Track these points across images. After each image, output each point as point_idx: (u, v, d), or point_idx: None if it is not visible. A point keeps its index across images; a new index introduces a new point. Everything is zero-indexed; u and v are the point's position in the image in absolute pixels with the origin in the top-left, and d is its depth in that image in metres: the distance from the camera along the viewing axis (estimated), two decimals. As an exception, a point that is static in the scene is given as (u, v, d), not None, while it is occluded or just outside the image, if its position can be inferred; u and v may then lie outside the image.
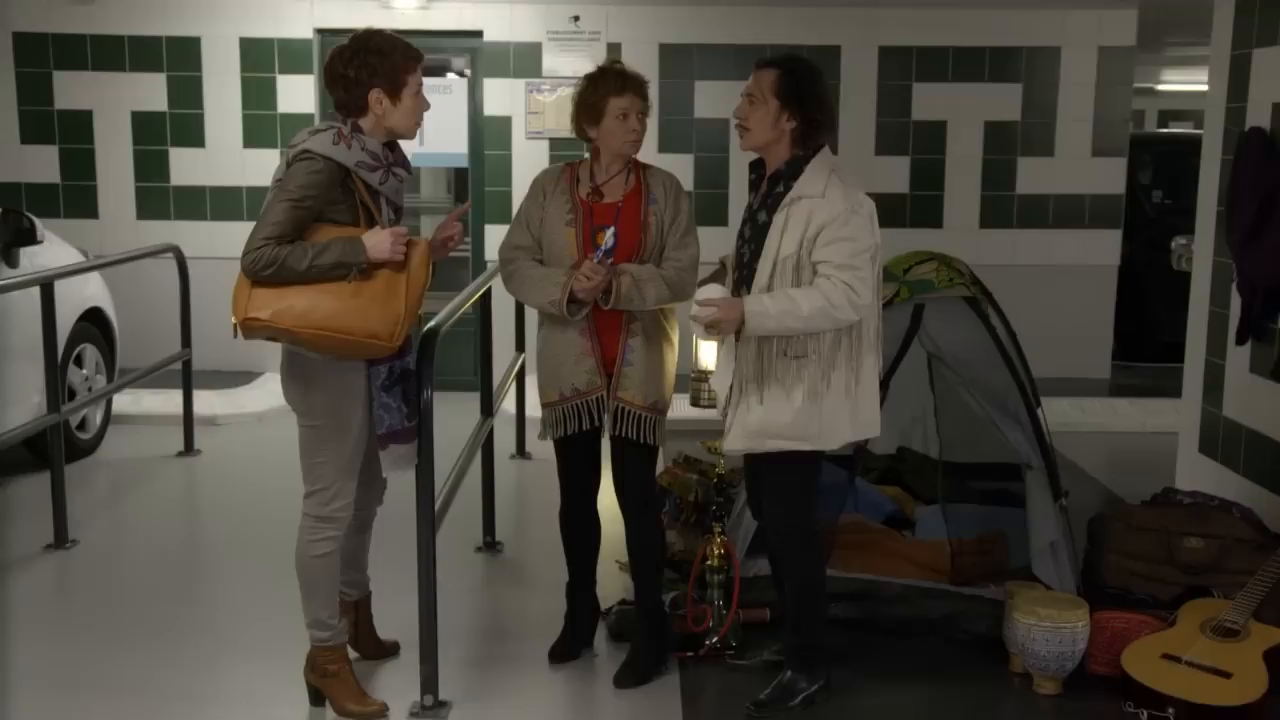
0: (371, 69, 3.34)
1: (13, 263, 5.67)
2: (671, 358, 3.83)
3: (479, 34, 8.09)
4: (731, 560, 4.11)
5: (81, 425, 6.34)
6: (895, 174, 8.39)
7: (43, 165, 8.22)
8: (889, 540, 4.61)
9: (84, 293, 6.24)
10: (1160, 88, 15.11)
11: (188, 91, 8.14)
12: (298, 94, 8.03)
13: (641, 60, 7.81)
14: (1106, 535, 4.36)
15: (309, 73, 7.97)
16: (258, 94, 8.11)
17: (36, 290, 5.13)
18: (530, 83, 8.10)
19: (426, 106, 3.51)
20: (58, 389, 5.19)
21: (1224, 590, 4.00)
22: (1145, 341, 9.10)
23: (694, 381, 4.03)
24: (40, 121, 8.18)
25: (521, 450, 6.52)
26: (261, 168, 7.44)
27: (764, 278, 3.44)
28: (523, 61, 8.10)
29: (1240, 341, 4.93)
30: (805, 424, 3.45)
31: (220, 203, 8.15)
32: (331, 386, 3.42)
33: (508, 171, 8.09)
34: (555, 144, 8.00)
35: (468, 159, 8.23)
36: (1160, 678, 3.59)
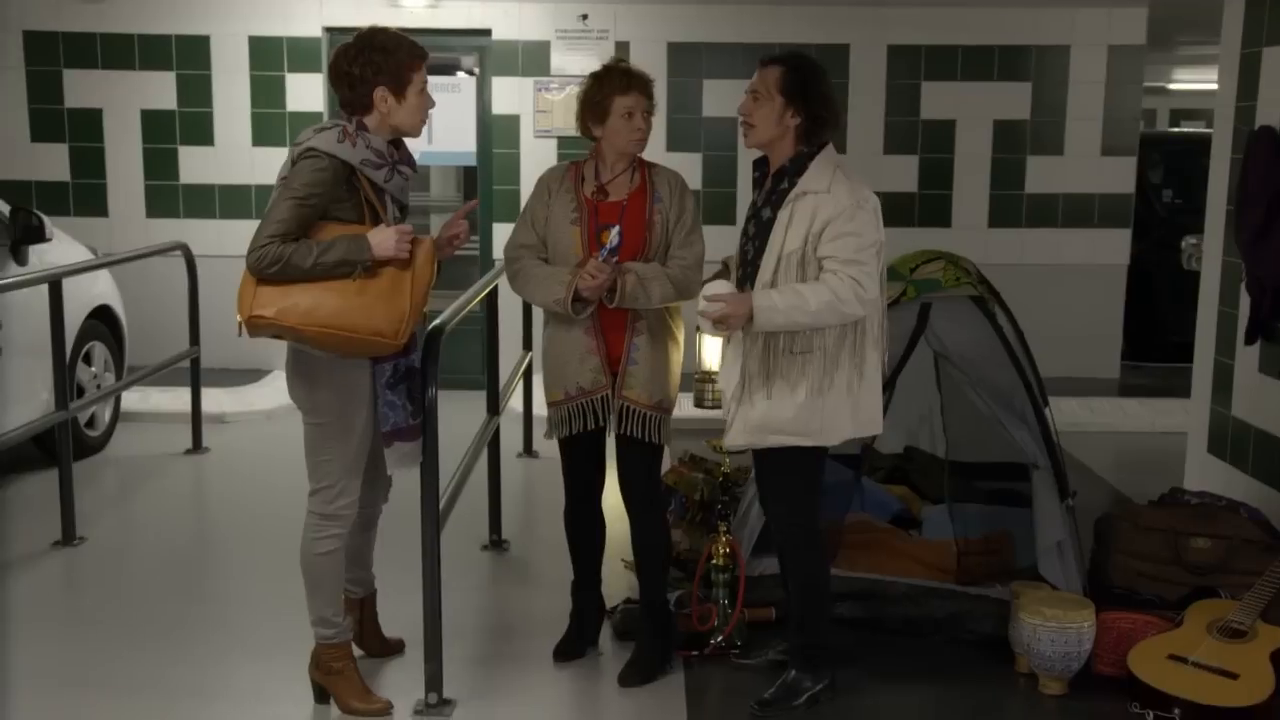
0: (376, 67, 3.34)
1: (22, 260, 5.69)
2: (677, 357, 3.83)
3: (487, 32, 8.10)
4: (737, 559, 4.10)
5: (90, 423, 6.36)
6: (903, 173, 8.38)
7: (53, 163, 8.25)
8: (895, 540, 4.60)
9: (93, 290, 6.27)
10: (1172, 86, 15.05)
11: (197, 90, 8.17)
12: (307, 92, 8.04)
13: (649, 59, 7.84)
14: (1113, 535, 4.34)
15: (318, 71, 7.99)
16: (267, 92, 8.14)
17: (45, 288, 5.15)
18: (538, 81, 8.11)
19: (431, 104, 3.51)
20: (65, 386, 5.21)
21: (1231, 591, 3.99)
22: (1154, 341, 9.07)
23: (698, 382, 4.02)
24: (50, 120, 8.22)
25: (528, 449, 6.53)
26: (270, 166, 7.44)
27: (768, 273, 3.44)
28: (531, 60, 8.11)
29: (1249, 341, 4.90)
30: (807, 420, 3.45)
31: (229, 201, 8.17)
32: (336, 384, 3.42)
33: (516, 170, 8.10)
34: (563, 142, 8.00)
35: (476, 157, 8.24)
36: (1166, 678, 3.57)
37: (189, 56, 8.15)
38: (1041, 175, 8.43)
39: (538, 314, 3.87)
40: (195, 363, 6.59)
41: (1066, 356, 7.91)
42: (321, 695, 3.64)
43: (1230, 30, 5.28)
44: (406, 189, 3.53)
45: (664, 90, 8.02)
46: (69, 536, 5.09)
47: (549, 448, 3.95)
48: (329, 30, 8.01)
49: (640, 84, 3.69)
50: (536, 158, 7.89)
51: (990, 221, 8.45)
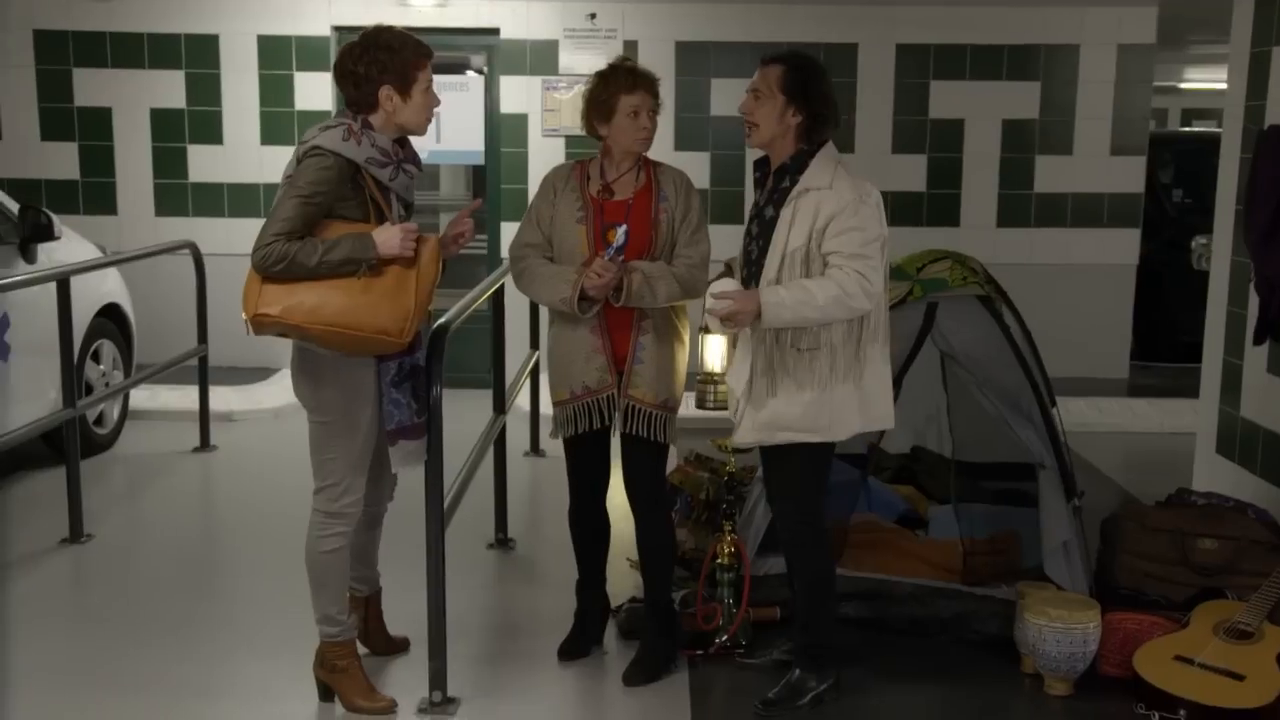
0: (382, 65, 3.34)
1: (31, 259, 5.71)
2: (683, 356, 3.82)
3: (495, 31, 8.11)
4: (742, 558, 4.10)
5: (99, 420, 6.38)
6: (912, 172, 8.36)
7: (63, 162, 8.28)
8: (902, 539, 4.59)
9: (101, 289, 6.28)
10: (1183, 86, 15.00)
11: (206, 89, 8.19)
12: (315, 91, 8.06)
13: (657, 58, 7.84)
14: (1120, 536, 4.33)
15: (327, 70, 7.98)
16: (275, 91, 8.16)
17: (53, 286, 5.16)
18: (546, 80, 8.11)
19: (437, 103, 3.51)
20: (73, 384, 5.22)
21: (1238, 592, 3.97)
22: (1164, 341, 9.04)
23: (700, 384, 4.02)
24: (60, 119, 8.25)
25: (535, 448, 6.53)
26: (279, 165, 7.45)
27: (772, 271, 3.44)
28: (539, 59, 8.11)
29: (1258, 342, 4.88)
30: (815, 416, 3.45)
31: (238, 199, 8.20)
32: (341, 383, 3.42)
33: (524, 169, 8.10)
34: (571, 141, 8.01)
35: (484, 156, 8.25)
36: (1172, 679, 3.56)
37: (198, 55, 8.17)
38: (1050, 175, 8.40)
39: (545, 313, 3.87)
40: (203, 361, 6.60)
41: (1075, 357, 7.90)
42: (326, 693, 3.65)
43: (1240, 29, 5.26)
44: (411, 187, 3.54)
45: (672, 89, 8.03)
46: (76, 534, 5.10)
47: (556, 447, 3.95)
48: (337, 29, 8.03)
49: (646, 83, 3.69)
50: (544, 157, 7.89)
51: (999, 221, 8.43)
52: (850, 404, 3.47)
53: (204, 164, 8.25)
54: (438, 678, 3.63)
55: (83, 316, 5.92)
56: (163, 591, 4.60)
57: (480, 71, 8.44)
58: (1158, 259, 8.82)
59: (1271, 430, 4.90)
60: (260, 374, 7.82)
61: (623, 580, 4.45)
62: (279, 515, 5.29)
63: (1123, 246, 8.51)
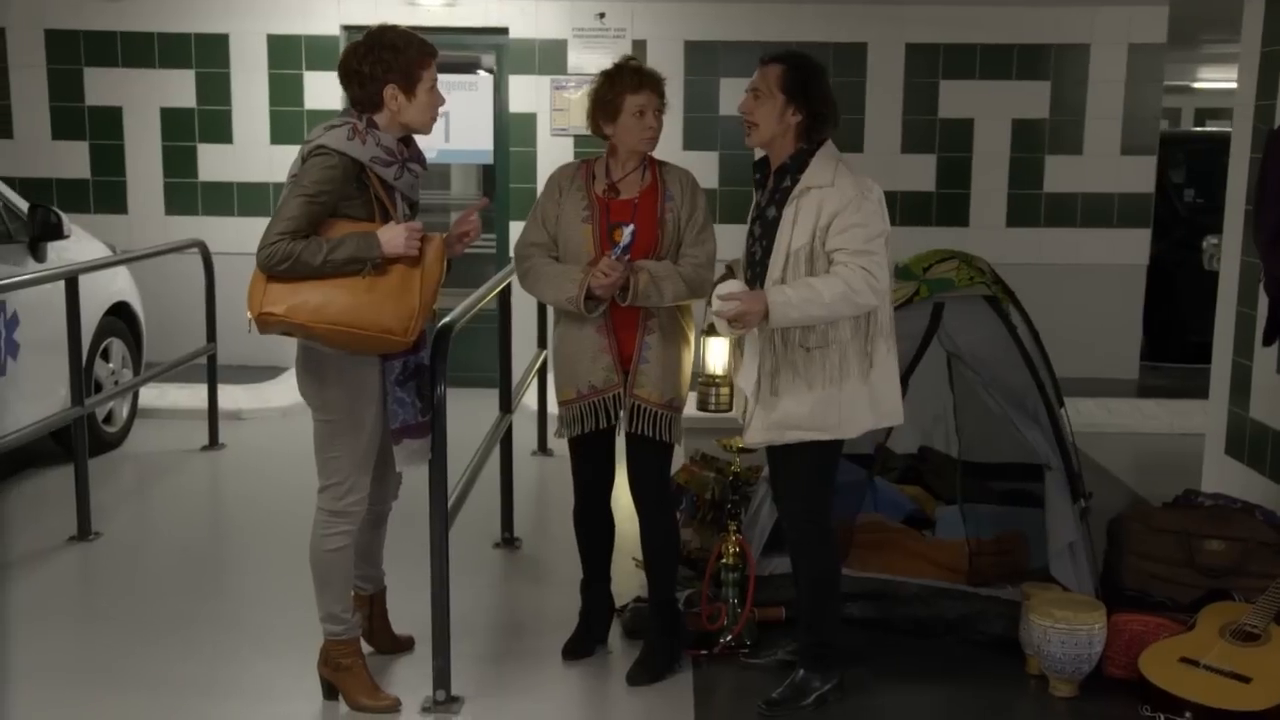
0: (386, 64, 3.35)
1: (40, 257, 5.74)
2: (688, 355, 3.82)
3: (504, 31, 8.11)
4: (746, 558, 4.10)
5: (108, 419, 6.40)
6: (921, 172, 8.34)
7: (73, 161, 8.31)
8: (908, 540, 4.58)
9: (111, 287, 6.31)
10: (1197, 85, 14.93)
11: (216, 88, 8.21)
12: (325, 90, 8.06)
13: (666, 57, 7.84)
14: (1126, 537, 4.31)
15: (336, 69, 8.00)
16: (285, 90, 8.18)
17: (63, 284, 5.18)
18: (555, 80, 8.12)
19: (442, 102, 3.51)
20: (81, 382, 5.24)
21: (1244, 594, 3.95)
22: (1175, 342, 9.00)
23: (702, 385, 4.02)
24: (71, 118, 8.27)
25: (543, 447, 6.54)
26: (289, 164, 7.50)
27: (776, 270, 3.44)
28: (548, 58, 8.12)
29: (1267, 342, 4.85)
30: (824, 414, 3.45)
31: (248, 198, 8.22)
32: (346, 382, 3.43)
33: (532, 168, 8.11)
34: (579, 141, 8.01)
35: (493, 155, 8.26)
36: (1178, 681, 3.55)
37: (208, 55, 8.19)
38: (1060, 174, 8.38)
39: (552, 312, 3.88)
40: (212, 359, 6.62)
41: (1085, 357, 7.88)
42: (330, 692, 3.65)
43: (1250, 29, 5.23)
44: (416, 186, 3.54)
45: (680, 89, 8.02)
46: (84, 531, 5.12)
47: (563, 446, 3.95)
48: (347, 28, 8.04)
49: (652, 82, 3.68)
50: (553, 156, 7.90)
51: (1008, 221, 8.41)
52: (860, 401, 3.47)
53: (214, 163, 8.27)
54: (441, 676, 3.63)
55: (92, 315, 5.95)
56: (169, 590, 4.62)
57: (490, 71, 8.45)
58: (1169, 259, 8.79)
59: (1281, 431, 4.88)
60: (269, 373, 7.83)
61: (628, 580, 4.45)
62: (287, 514, 5.30)
63: (1133, 247, 8.48)
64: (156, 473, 6.21)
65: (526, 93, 8.15)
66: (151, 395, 7.12)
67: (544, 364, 6.05)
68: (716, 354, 3.99)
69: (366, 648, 3.78)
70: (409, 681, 3.76)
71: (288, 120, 8.16)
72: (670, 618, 3.90)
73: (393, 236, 3.31)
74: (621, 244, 3.60)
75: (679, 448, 3.88)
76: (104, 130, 8.28)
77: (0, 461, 5.62)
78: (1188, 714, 3.47)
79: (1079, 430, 4.42)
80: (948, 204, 8.37)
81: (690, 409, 3.84)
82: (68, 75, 8.23)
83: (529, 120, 8.16)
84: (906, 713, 3.74)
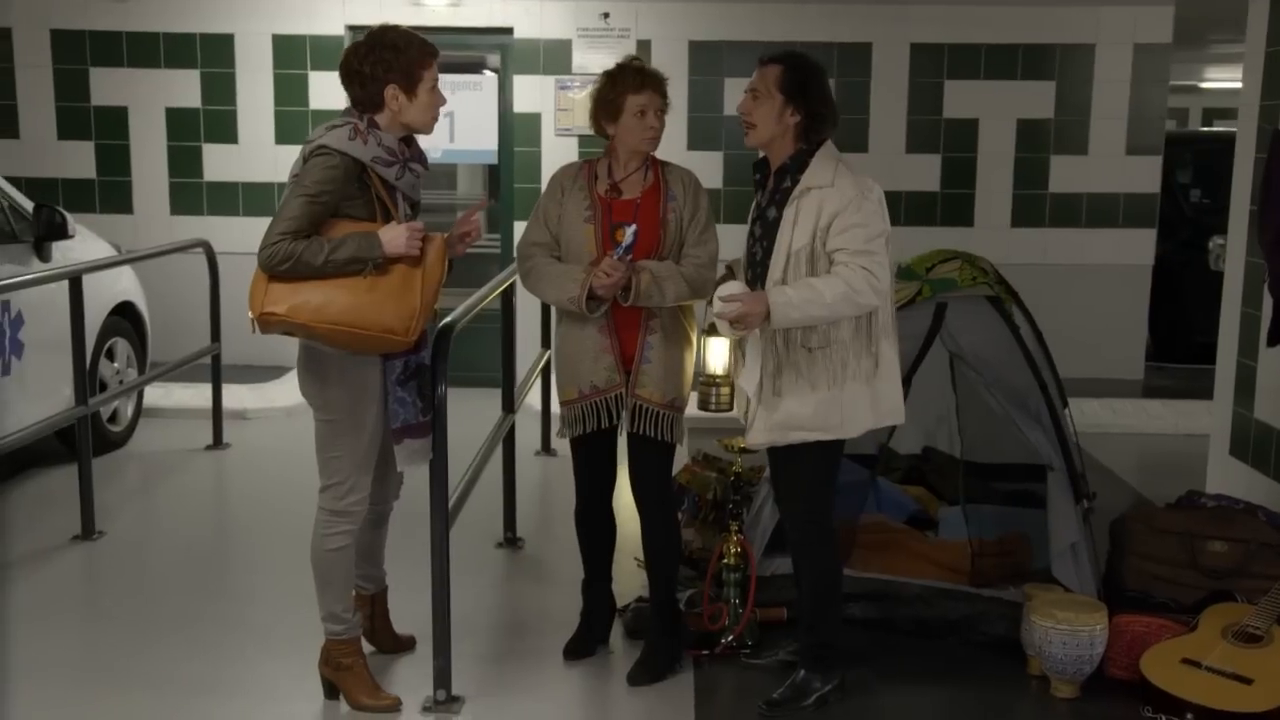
0: (387, 64, 3.35)
1: (45, 257, 5.75)
2: (690, 356, 3.82)
3: (509, 31, 8.11)
4: (748, 559, 4.09)
5: (113, 418, 6.42)
6: (926, 172, 8.33)
7: (79, 161, 8.33)
8: (911, 540, 4.57)
9: (116, 287, 6.32)
10: (1205, 85, 14.90)
11: (221, 88, 8.23)
12: (330, 91, 8.03)
13: (671, 57, 7.84)
14: (1128, 538, 4.30)
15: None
16: (290, 90, 8.19)
17: (67, 284, 5.19)
18: (560, 80, 8.12)
19: (443, 102, 3.51)
20: (85, 382, 5.25)
21: (1247, 595, 3.94)
22: (1181, 342, 8.98)
23: (703, 385, 4.02)
24: (77, 118, 8.30)
25: (546, 447, 6.54)
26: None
27: (777, 271, 3.44)
28: (552, 58, 8.12)
29: (1271, 343, 4.83)
30: (827, 414, 3.45)
31: (253, 198, 8.24)
32: (347, 381, 3.43)
33: (537, 168, 8.11)
34: (584, 141, 8.01)
35: (497, 155, 8.26)
36: (1179, 683, 3.54)
37: (213, 55, 8.21)
38: (1065, 175, 8.36)
39: (555, 312, 3.88)
40: (216, 359, 6.63)
41: (1090, 358, 7.87)
42: (331, 691, 3.66)
43: (1255, 29, 5.22)
44: (418, 186, 3.55)
45: (685, 89, 8.03)
46: (88, 530, 5.13)
47: (566, 446, 3.96)
48: (352, 28, 8.05)
49: (654, 82, 3.68)
50: (557, 156, 7.89)
51: (1013, 221, 8.39)
52: (862, 400, 3.47)
53: (219, 163, 8.29)
54: (442, 676, 3.63)
55: (97, 314, 5.96)
56: (173, 589, 4.63)
57: (494, 71, 8.46)
58: (1175, 259, 8.77)
59: (1285, 432, 4.86)
60: (274, 372, 7.84)
61: (629, 580, 4.45)
62: (291, 514, 5.30)
63: (1138, 247, 8.46)
64: (161, 472, 6.22)
65: (531, 93, 8.15)
66: (156, 395, 7.13)
67: (547, 364, 6.04)
68: (717, 354, 3.99)
69: (368, 647, 3.79)
70: (410, 681, 3.76)
71: (293, 120, 8.18)
72: (671, 618, 3.90)
73: (394, 236, 3.31)
74: (623, 244, 3.60)
75: (681, 448, 3.88)
76: (109, 130, 8.30)
77: (5, 460, 5.63)
78: (1189, 715, 3.46)
79: (1083, 431, 4.41)
80: (952, 204, 8.36)
81: (692, 408, 3.84)
82: (73, 75, 8.26)
83: (533, 120, 8.16)
84: (907, 713, 3.74)
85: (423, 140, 3.59)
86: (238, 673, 3.91)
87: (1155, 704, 3.55)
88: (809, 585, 3.67)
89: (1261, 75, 5.13)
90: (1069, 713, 3.71)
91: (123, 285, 6.41)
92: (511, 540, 5.13)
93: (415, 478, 3.72)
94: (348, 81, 3.42)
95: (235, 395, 7.10)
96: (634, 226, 3.64)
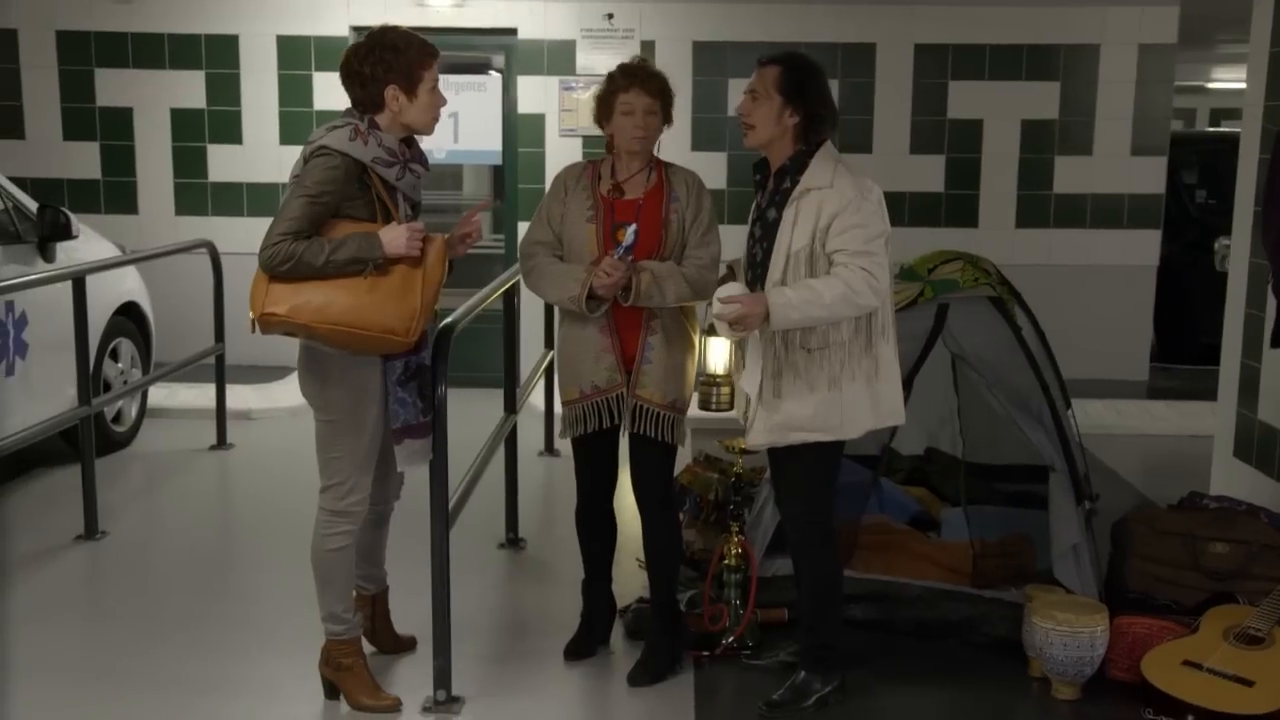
0: (387, 65, 3.36)
1: (49, 257, 5.77)
2: (692, 356, 3.82)
3: (513, 32, 8.11)
4: (749, 560, 4.09)
5: (117, 418, 6.43)
6: (930, 172, 8.32)
7: (84, 162, 8.35)
8: (913, 541, 4.57)
9: (120, 287, 6.33)
10: (1211, 85, 14.86)
11: (226, 89, 8.25)
12: (334, 91, 7.95)
13: (675, 58, 7.84)
14: (1130, 539, 4.29)
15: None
16: (294, 91, 8.20)
17: (70, 284, 5.20)
18: (564, 80, 8.12)
19: (443, 103, 3.52)
20: (89, 382, 5.26)
21: (1249, 597, 3.93)
22: (1187, 343, 8.96)
23: (704, 385, 4.02)
24: (82, 118, 8.32)
25: (549, 447, 6.54)
26: (297, 164, 7.56)
27: (777, 272, 3.44)
28: (556, 59, 8.12)
29: (1275, 344, 4.82)
30: (826, 415, 3.45)
31: (257, 199, 8.26)
32: (348, 382, 3.44)
33: (541, 168, 8.10)
34: (588, 141, 8.01)
35: (501, 156, 8.26)
36: (1180, 684, 3.53)
37: (218, 56, 8.22)
38: (1070, 175, 8.35)
39: (559, 312, 3.89)
40: (220, 359, 6.65)
41: (1095, 359, 7.85)
42: (331, 691, 3.66)
43: (1259, 29, 5.21)
44: (418, 187, 3.55)
45: (689, 90, 8.02)
46: (91, 530, 5.14)
47: (569, 446, 3.96)
48: (356, 29, 8.05)
49: (643, 81, 3.65)
50: (561, 157, 7.88)
51: (1018, 222, 8.38)
52: (862, 401, 3.47)
53: (223, 164, 8.31)
54: (442, 676, 3.64)
55: (101, 315, 5.98)
56: (177, 589, 4.63)
57: (498, 71, 8.46)
58: (1181, 260, 8.75)
59: (1288, 434, 4.85)
60: (278, 373, 7.84)
61: (630, 580, 4.45)
62: (294, 514, 5.30)
63: (1143, 248, 8.44)
64: (165, 472, 6.23)
65: (535, 93, 8.15)
66: (160, 395, 7.14)
67: (551, 364, 6.05)
68: (717, 354, 3.99)
69: (369, 647, 3.79)
70: (410, 681, 3.77)
71: (297, 121, 8.19)
72: (672, 619, 3.90)
73: (394, 237, 3.32)
74: (624, 244, 3.60)
75: (683, 449, 3.88)
76: (114, 131, 8.31)
77: (9, 460, 5.64)
78: (1190, 717, 3.46)
79: (1088, 432, 4.40)
80: (957, 205, 8.35)
81: (693, 409, 3.84)
82: (79, 76, 8.27)
83: (537, 121, 8.16)
84: (908, 715, 3.73)
85: (427, 141, 3.59)
86: (241, 673, 3.92)
87: (1156, 706, 3.55)
88: (809, 586, 3.67)
89: (1265, 76, 5.12)
90: (1070, 714, 3.71)
91: (127, 285, 6.43)
92: (513, 541, 5.14)
93: (416, 478, 3.73)
94: (348, 82, 3.43)
95: (239, 395, 7.11)
96: (635, 226, 3.64)
